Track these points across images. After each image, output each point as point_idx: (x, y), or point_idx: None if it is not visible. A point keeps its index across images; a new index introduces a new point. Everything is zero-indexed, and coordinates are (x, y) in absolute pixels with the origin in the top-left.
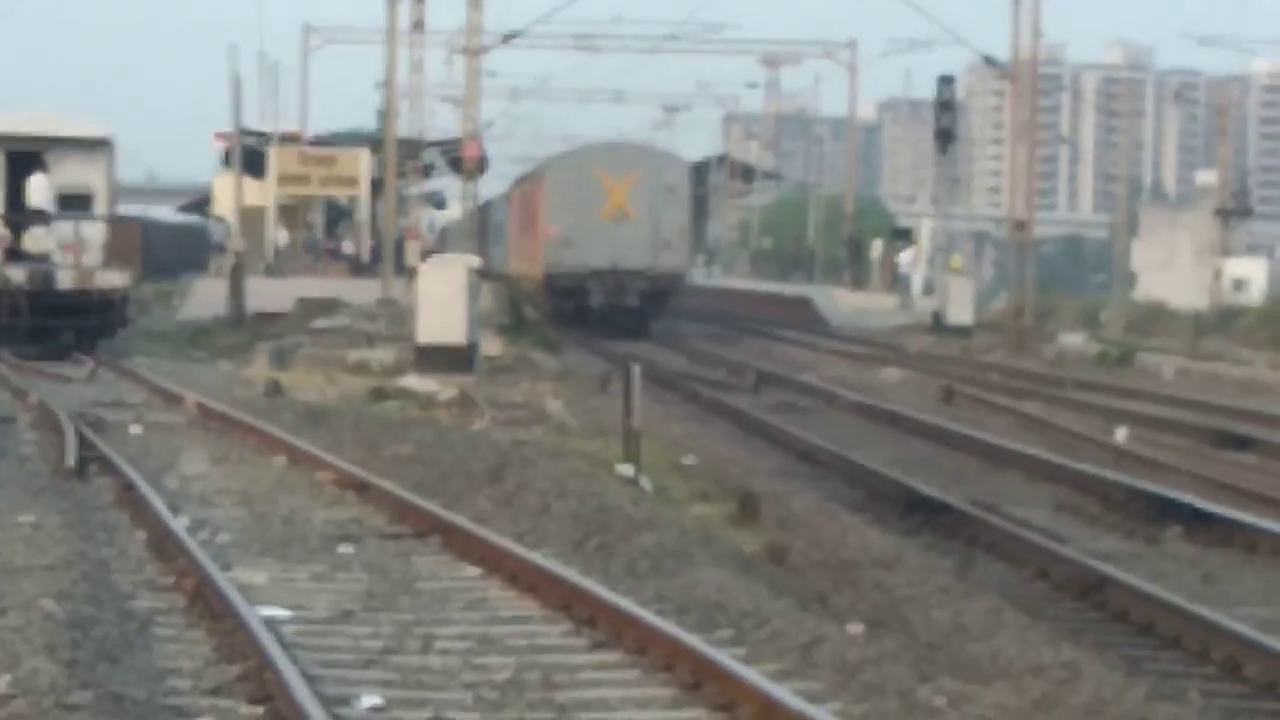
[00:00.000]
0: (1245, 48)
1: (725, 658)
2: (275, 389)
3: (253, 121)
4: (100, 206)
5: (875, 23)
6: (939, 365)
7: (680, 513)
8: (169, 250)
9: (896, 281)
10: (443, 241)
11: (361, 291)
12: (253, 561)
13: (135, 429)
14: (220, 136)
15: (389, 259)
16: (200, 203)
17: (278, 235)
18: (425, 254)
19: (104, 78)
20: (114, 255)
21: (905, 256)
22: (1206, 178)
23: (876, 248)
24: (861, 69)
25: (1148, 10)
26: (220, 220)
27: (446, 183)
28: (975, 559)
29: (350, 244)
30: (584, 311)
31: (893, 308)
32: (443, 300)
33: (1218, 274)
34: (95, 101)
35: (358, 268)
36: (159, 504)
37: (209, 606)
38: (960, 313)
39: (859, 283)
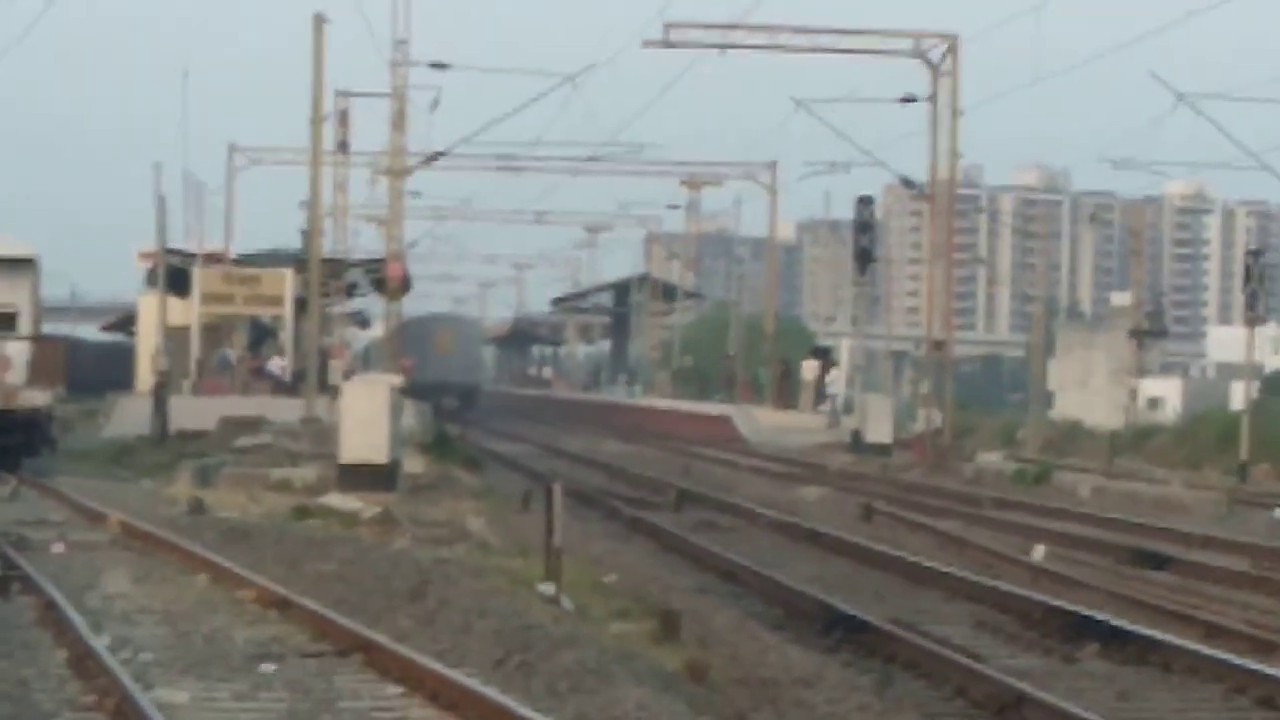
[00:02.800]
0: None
1: None
2: (198, 507)
3: (177, 240)
4: (24, 325)
5: (795, 145)
6: (858, 484)
7: (601, 631)
8: (93, 368)
9: (821, 401)
10: (366, 360)
11: (285, 410)
12: (174, 680)
13: (58, 547)
14: (144, 255)
15: (312, 377)
16: (124, 321)
17: (200, 354)
18: (348, 373)
19: (27, 194)
20: (38, 374)
21: (834, 376)
22: (1121, 298)
23: (811, 368)
24: (781, 190)
25: (1063, 134)
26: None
27: (370, 302)
28: (895, 677)
29: (274, 363)
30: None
31: (813, 426)
32: (366, 419)
33: (1133, 393)
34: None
35: (281, 386)
36: (81, 623)
37: None
38: (879, 432)
39: (788, 402)
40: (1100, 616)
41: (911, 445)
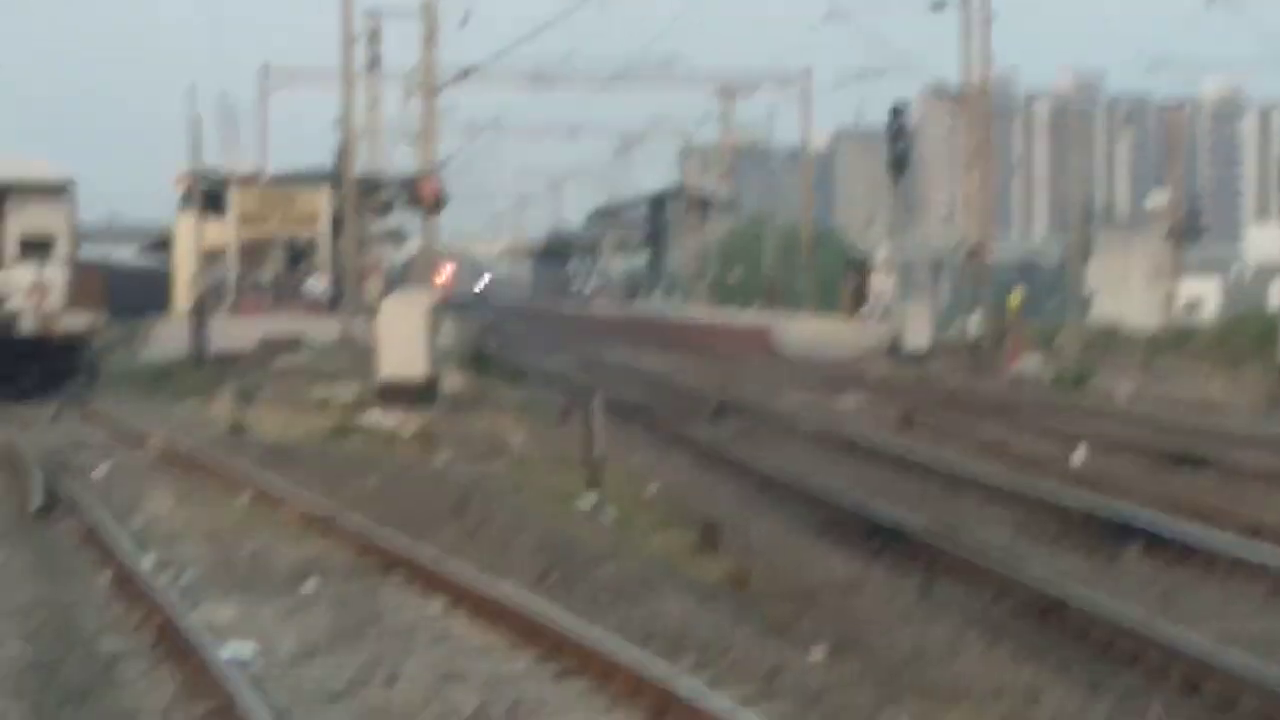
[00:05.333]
0: (1194, 71)
1: (689, 686)
2: (239, 428)
3: (213, 162)
4: (62, 251)
5: (828, 53)
6: (898, 391)
7: (642, 542)
8: (132, 291)
9: (871, 311)
10: (403, 277)
11: (323, 329)
12: (218, 600)
13: (100, 470)
14: (180, 178)
15: (350, 296)
16: (162, 243)
17: (237, 274)
18: (386, 290)
19: (63, 119)
20: (77, 299)
21: (886, 285)
22: (1158, 200)
23: (879, 279)
24: (815, 99)
25: (1098, 35)
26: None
27: (406, 218)
28: (936, 583)
29: (311, 282)
30: None
31: (852, 336)
32: (403, 336)
33: (1170, 295)
34: (55, 143)
35: (319, 306)
36: (124, 544)
37: (175, 645)
38: (918, 338)
39: (852, 311)
40: (1141, 518)
41: (1010, 345)
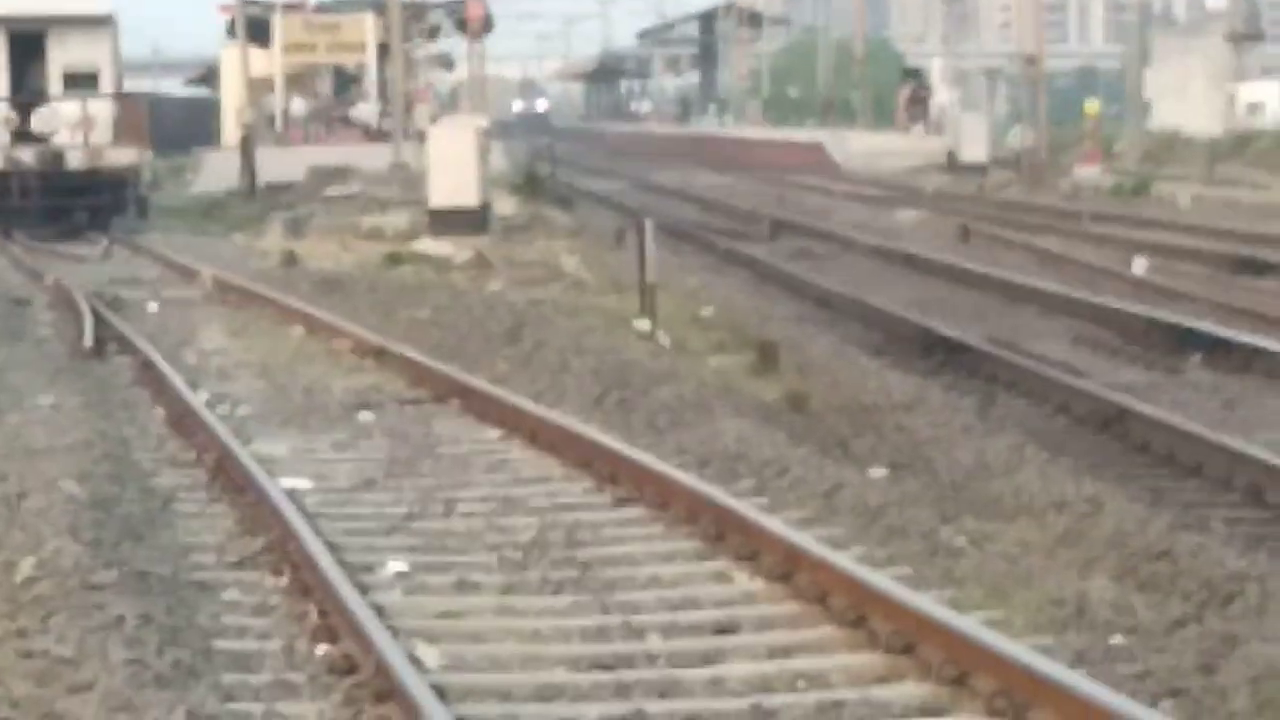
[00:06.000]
0: None
1: (747, 508)
2: (290, 259)
3: None
4: (106, 84)
5: None
6: (955, 204)
7: (698, 365)
8: (178, 124)
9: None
10: (453, 103)
11: (372, 157)
12: (273, 433)
13: (152, 306)
14: (224, 7)
15: (399, 123)
16: (208, 75)
17: (290, 103)
18: (435, 116)
19: None
20: (123, 132)
21: (948, 98)
22: (1217, 3)
23: (939, 90)
24: None
25: None
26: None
27: (454, 44)
28: (996, 397)
29: (361, 107)
30: None
31: (909, 148)
32: (454, 162)
33: (1232, 99)
34: None
35: (368, 133)
36: (178, 380)
37: (231, 480)
38: (975, 150)
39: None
40: (1203, 326)
41: (1087, 155)
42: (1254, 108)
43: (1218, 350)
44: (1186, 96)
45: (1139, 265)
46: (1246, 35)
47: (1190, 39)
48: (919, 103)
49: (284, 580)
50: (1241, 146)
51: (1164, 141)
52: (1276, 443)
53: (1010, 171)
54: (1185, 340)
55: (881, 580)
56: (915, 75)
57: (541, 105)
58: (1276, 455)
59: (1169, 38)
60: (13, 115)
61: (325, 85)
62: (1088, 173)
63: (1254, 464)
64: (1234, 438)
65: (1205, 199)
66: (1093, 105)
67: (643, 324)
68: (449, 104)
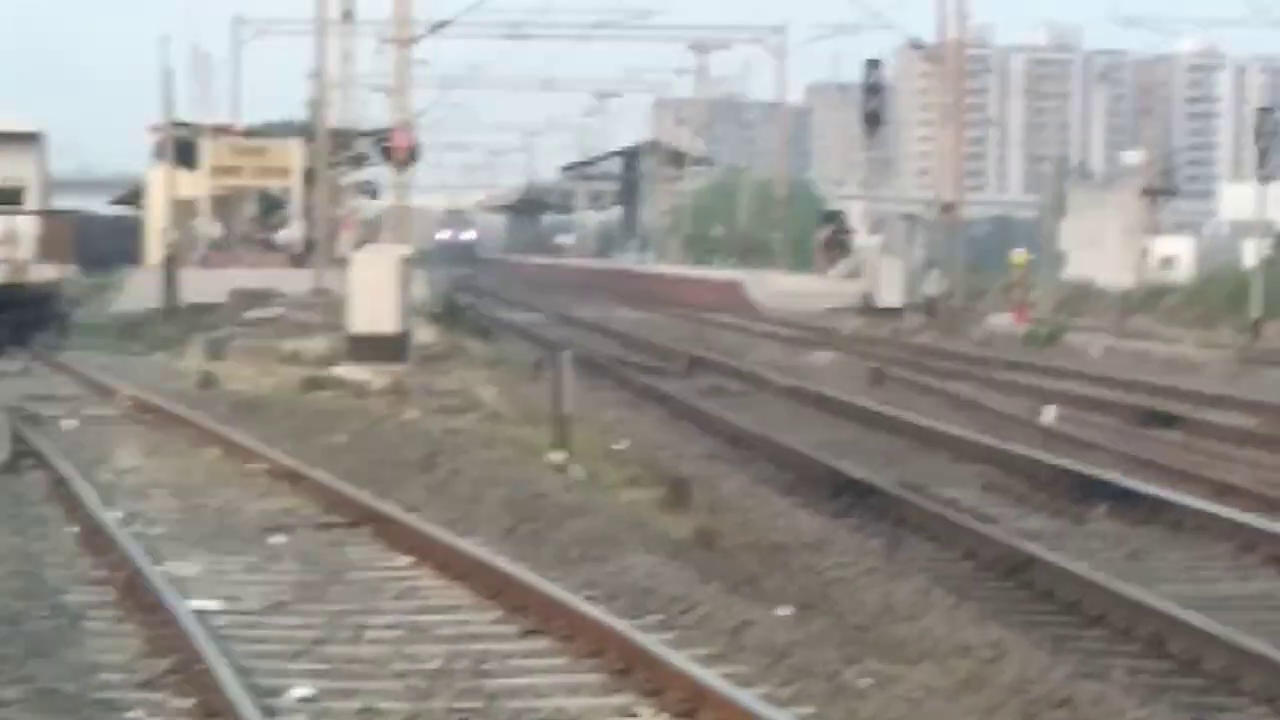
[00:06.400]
0: (1168, 28)
1: (654, 643)
2: (209, 381)
3: (185, 113)
4: (32, 200)
5: (803, 8)
6: (869, 347)
7: (611, 498)
8: (103, 242)
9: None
10: (375, 231)
11: (295, 281)
12: (185, 554)
13: (69, 423)
14: (152, 128)
15: (323, 249)
16: (134, 194)
17: (211, 227)
18: (358, 244)
19: (34, 70)
20: (47, 249)
21: (867, 241)
22: (1132, 157)
23: (862, 235)
24: (790, 54)
25: None
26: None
27: (380, 172)
28: (904, 540)
29: (285, 233)
30: None
31: (825, 290)
32: (375, 289)
33: (1145, 252)
34: (25, 92)
35: (291, 258)
36: (92, 497)
37: (141, 600)
38: (891, 295)
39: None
40: (1110, 477)
41: (1015, 303)
42: (1167, 261)
43: (1124, 501)
44: (1101, 248)
45: (1048, 414)
46: (1160, 190)
47: (1106, 192)
48: (838, 245)
49: (191, 701)
50: (1154, 299)
51: (1078, 292)
52: (1179, 594)
53: (925, 316)
54: (1092, 490)
55: (785, 719)
56: (834, 218)
57: (468, 235)
58: (1178, 606)
59: (1085, 190)
60: None
61: (251, 209)
62: (1001, 320)
63: (1156, 615)
64: (1137, 588)
65: (1116, 350)
66: (1020, 256)
67: (557, 456)
68: (373, 232)
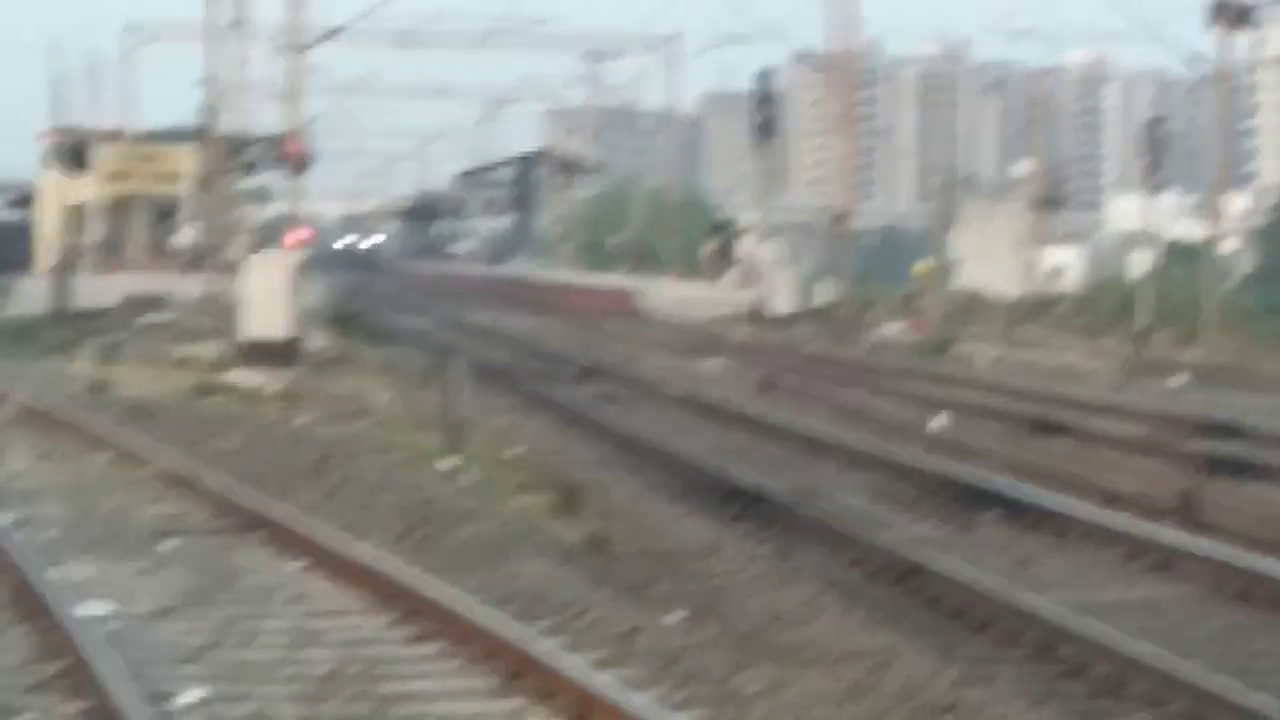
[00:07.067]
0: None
1: (545, 647)
2: (100, 385)
3: (77, 119)
4: None
5: (697, 18)
6: (760, 356)
7: (503, 504)
8: None
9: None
10: (267, 237)
11: (188, 287)
12: (75, 558)
13: None
14: (44, 134)
15: (214, 255)
16: (24, 199)
17: (107, 231)
18: (252, 249)
19: None
20: None
21: (760, 250)
22: (1021, 168)
23: (748, 241)
24: (683, 63)
25: (964, 4)
26: None
27: (274, 178)
28: (793, 547)
29: (175, 240)
30: None
31: (716, 299)
32: (266, 295)
33: (1033, 263)
34: None
35: (184, 264)
36: None
37: (31, 604)
38: (782, 303)
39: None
40: (997, 485)
41: (920, 314)
42: (1055, 271)
43: (1011, 508)
44: (990, 258)
45: (937, 422)
46: (1049, 201)
47: (996, 203)
48: (725, 256)
49: (81, 705)
50: (1042, 309)
51: (967, 301)
52: (1065, 601)
53: (816, 325)
54: (980, 497)
55: None
56: (723, 229)
57: (369, 242)
58: (1065, 612)
59: (975, 200)
60: None
61: (144, 214)
62: (892, 329)
63: (1043, 621)
64: (1024, 594)
65: (1004, 359)
66: (924, 265)
67: (449, 462)
68: (267, 238)
